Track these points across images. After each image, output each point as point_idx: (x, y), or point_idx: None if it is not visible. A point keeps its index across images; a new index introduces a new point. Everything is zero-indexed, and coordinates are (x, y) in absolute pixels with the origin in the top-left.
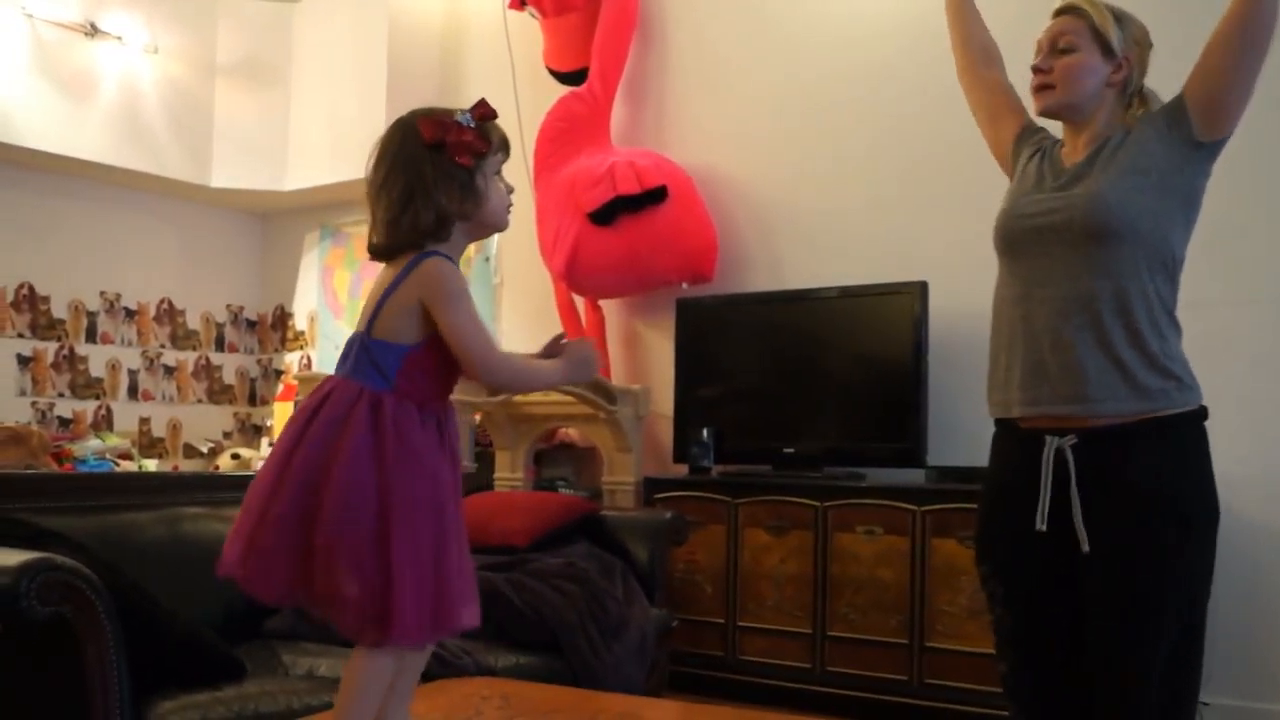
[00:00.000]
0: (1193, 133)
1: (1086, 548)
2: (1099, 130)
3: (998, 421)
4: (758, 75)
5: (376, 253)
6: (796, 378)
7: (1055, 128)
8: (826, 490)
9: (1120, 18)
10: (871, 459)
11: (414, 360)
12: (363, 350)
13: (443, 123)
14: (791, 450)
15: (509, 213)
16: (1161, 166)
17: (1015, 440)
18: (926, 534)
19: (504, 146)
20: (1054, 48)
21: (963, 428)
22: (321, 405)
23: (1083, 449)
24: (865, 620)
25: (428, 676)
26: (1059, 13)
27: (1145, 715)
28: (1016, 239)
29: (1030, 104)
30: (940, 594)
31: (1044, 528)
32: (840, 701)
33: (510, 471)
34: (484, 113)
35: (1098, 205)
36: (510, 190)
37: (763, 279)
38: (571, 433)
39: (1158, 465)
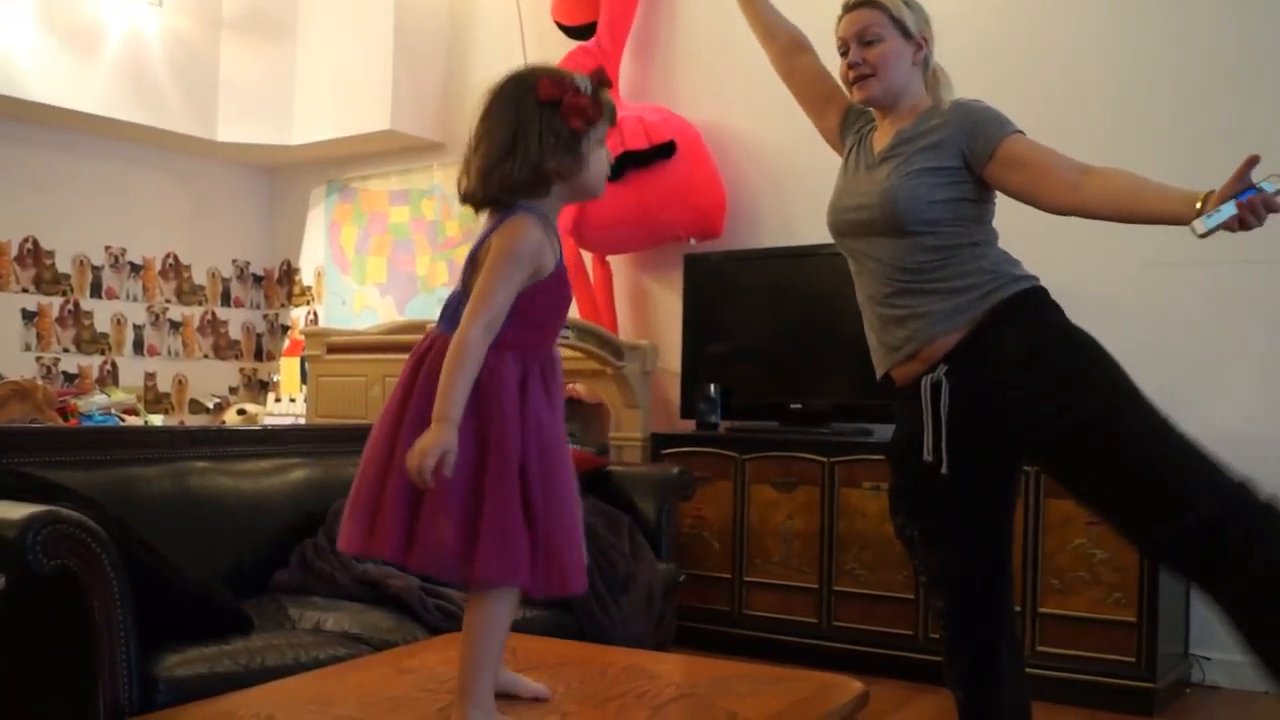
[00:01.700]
0: (981, 170)
1: (945, 470)
2: (906, 108)
3: (884, 385)
4: None
5: (468, 199)
6: (804, 334)
7: None
8: (834, 446)
9: (907, 2)
10: (879, 415)
11: (511, 312)
12: (462, 306)
13: (562, 82)
14: (799, 406)
15: (605, 181)
16: (953, 165)
17: (901, 399)
18: None
19: (611, 116)
20: (861, 41)
21: None
22: (423, 361)
23: (954, 371)
24: (872, 575)
25: (434, 630)
26: (854, 6)
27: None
28: (840, 229)
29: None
30: None
31: (930, 458)
32: (846, 656)
33: None
34: (602, 79)
35: (890, 205)
36: (610, 159)
37: (771, 235)
38: (579, 388)
39: (1014, 339)
